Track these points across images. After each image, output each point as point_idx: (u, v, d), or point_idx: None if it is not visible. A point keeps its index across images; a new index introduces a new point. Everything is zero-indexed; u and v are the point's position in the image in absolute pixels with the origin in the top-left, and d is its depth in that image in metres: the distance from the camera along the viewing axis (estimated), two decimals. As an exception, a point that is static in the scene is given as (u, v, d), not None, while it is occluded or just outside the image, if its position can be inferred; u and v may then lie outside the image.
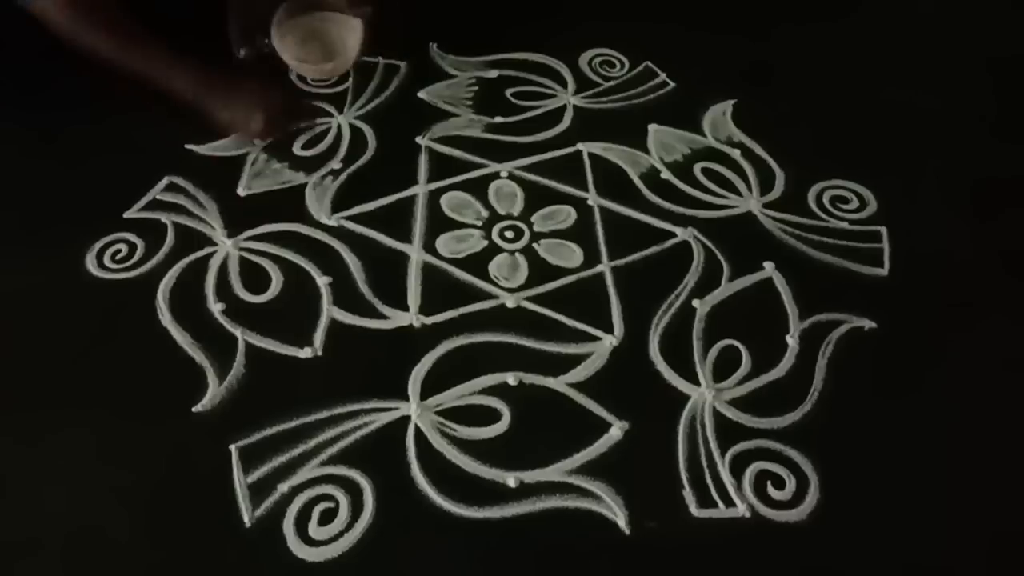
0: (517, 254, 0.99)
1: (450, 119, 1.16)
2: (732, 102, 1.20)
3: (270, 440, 0.81)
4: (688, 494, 0.79)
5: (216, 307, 0.91)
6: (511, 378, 0.87)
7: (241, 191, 1.04)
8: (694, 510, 0.78)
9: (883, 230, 1.04)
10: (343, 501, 0.77)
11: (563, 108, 1.18)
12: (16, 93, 1.11)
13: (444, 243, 1.00)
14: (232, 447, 0.80)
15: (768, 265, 0.99)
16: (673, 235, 1.02)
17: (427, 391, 0.86)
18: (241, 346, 0.88)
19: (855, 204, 1.07)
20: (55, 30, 0.94)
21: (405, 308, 0.93)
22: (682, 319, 0.93)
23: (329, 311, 0.92)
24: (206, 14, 1.16)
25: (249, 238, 0.98)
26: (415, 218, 1.02)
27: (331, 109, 1.15)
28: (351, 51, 1.14)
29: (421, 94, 1.19)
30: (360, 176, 1.07)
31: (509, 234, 1.01)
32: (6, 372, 0.86)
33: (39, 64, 1.11)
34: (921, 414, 0.86)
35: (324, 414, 0.83)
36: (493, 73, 1.23)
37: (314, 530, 0.76)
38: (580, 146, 1.13)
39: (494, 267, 0.98)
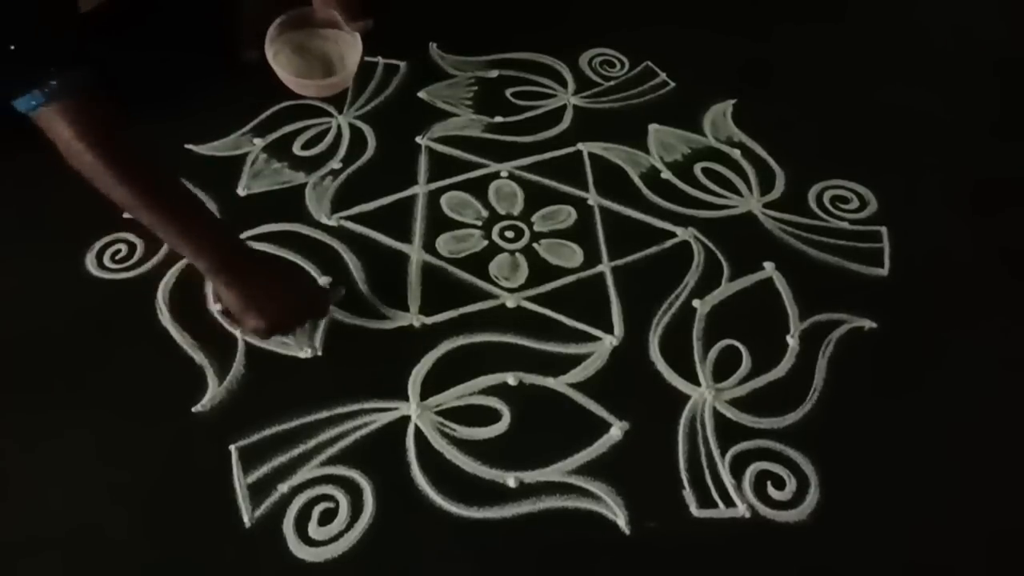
0: (517, 254, 0.99)
1: (450, 119, 1.16)
2: (732, 102, 1.20)
3: (270, 440, 0.81)
4: (688, 494, 0.79)
5: (216, 307, 0.91)
6: (511, 378, 0.87)
7: (241, 191, 1.04)
8: (694, 510, 0.78)
9: (883, 230, 1.04)
10: (343, 501, 0.77)
11: (563, 108, 1.18)
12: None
13: (444, 243, 1.00)
14: (232, 447, 0.80)
15: (768, 265, 0.99)
16: (673, 235, 1.02)
17: (427, 391, 0.86)
18: (241, 346, 0.88)
19: (855, 204, 1.07)
20: (62, 148, 0.77)
21: (405, 308, 0.93)
22: (682, 319, 0.93)
23: (329, 311, 0.92)
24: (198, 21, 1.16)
25: (249, 238, 0.98)
26: (415, 218, 1.02)
27: (331, 109, 1.15)
28: (350, 68, 1.09)
29: (421, 94, 1.19)
30: (360, 176, 1.07)
31: (509, 234, 1.01)
32: (6, 372, 0.86)
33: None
34: (921, 414, 0.86)
35: (324, 414, 0.83)
36: (493, 73, 1.23)
37: (314, 530, 0.76)
38: (580, 146, 1.13)
39: (494, 267, 0.98)
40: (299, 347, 0.88)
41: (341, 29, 1.09)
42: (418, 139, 1.12)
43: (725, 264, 0.99)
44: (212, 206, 1.01)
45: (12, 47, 0.71)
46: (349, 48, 1.09)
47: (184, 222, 0.80)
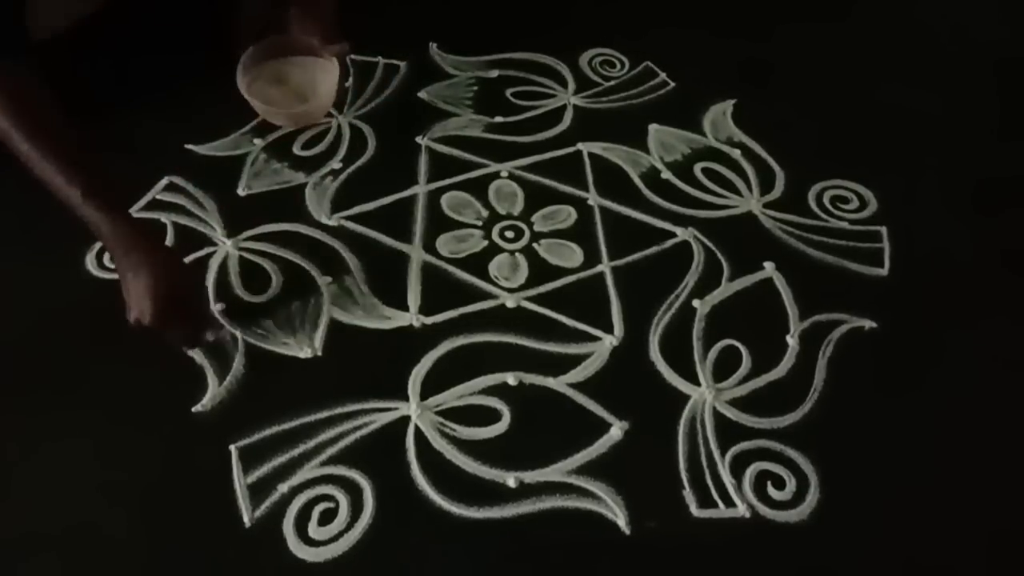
0: (517, 254, 0.99)
1: (450, 119, 1.15)
2: (732, 102, 1.19)
3: (270, 440, 0.81)
4: (688, 494, 0.79)
5: (216, 307, 0.91)
6: (511, 378, 0.87)
7: (241, 191, 1.04)
8: (694, 510, 0.78)
9: (883, 230, 1.04)
10: (343, 501, 0.77)
11: (563, 108, 1.18)
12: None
13: (444, 243, 1.00)
14: (232, 447, 0.80)
15: (768, 265, 0.99)
16: (673, 235, 1.02)
17: (427, 391, 0.86)
18: (241, 346, 0.88)
19: (855, 204, 1.07)
20: None
21: (405, 308, 0.93)
22: (682, 319, 0.93)
23: (329, 311, 0.92)
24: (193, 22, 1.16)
25: (249, 238, 0.98)
26: (415, 218, 1.02)
27: (331, 109, 1.15)
28: (325, 96, 1.08)
29: (421, 94, 1.19)
30: (360, 176, 1.07)
31: (509, 234, 1.01)
32: (6, 372, 0.86)
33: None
34: (921, 414, 0.86)
35: (324, 414, 0.83)
36: (493, 73, 1.23)
37: (314, 530, 0.76)
38: (580, 146, 1.13)
39: (494, 267, 0.98)
40: (299, 347, 0.88)
41: (318, 55, 1.07)
42: (418, 139, 1.12)
43: (725, 264, 0.99)
44: (212, 206, 1.01)
45: None
46: (325, 75, 1.08)
47: (88, 193, 0.80)
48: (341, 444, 0.81)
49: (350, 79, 1.17)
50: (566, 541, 0.76)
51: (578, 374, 0.88)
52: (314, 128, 1.12)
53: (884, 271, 1.00)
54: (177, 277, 0.84)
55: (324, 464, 0.80)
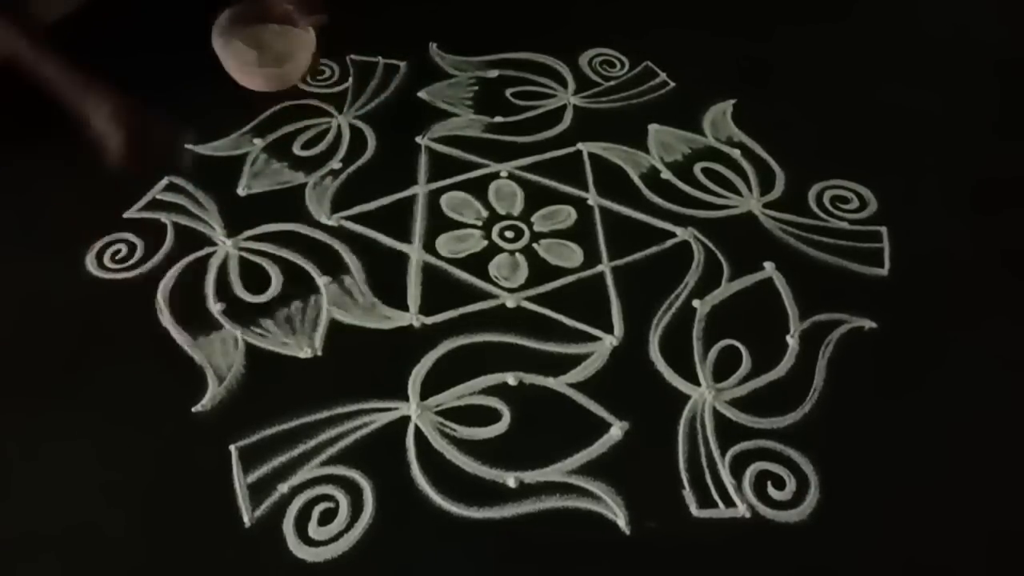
0: (517, 254, 0.99)
1: (450, 119, 1.15)
2: (732, 102, 1.20)
3: (270, 440, 0.81)
4: (688, 494, 0.79)
5: (216, 307, 0.91)
6: (511, 378, 0.87)
7: (241, 191, 1.04)
8: (694, 510, 0.78)
9: (883, 230, 1.04)
10: (343, 501, 0.77)
11: (563, 108, 1.18)
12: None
13: (444, 243, 1.00)
14: (232, 447, 0.80)
15: (768, 265, 0.99)
16: (673, 235, 1.02)
17: (427, 391, 0.86)
18: (241, 346, 0.88)
19: (855, 204, 1.07)
20: None
21: (405, 308, 0.93)
22: (682, 319, 0.93)
23: (329, 311, 0.92)
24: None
25: (249, 238, 0.98)
26: (415, 218, 1.02)
27: (331, 109, 1.15)
28: (301, 62, 1.09)
29: (421, 94, 1.19)
30: (360, 176, 1.07)
31: (509, 234, 1.01)
32: (6, 372, 0.86)
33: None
34: (921, 414, 0.86)
35: (324, 414, 0.83)
36: (493, 73, 1.23)
37: (314, 530, 0.76)
38: (580, 146, 1.13)
39: (494, 267, 0.98)
40: (299, 347, 0.88)
41: (295, 24, 1.08)
42: (418, 139, 1.12)
43: (725, 264, 0.99)
44: (212, 206, 1.01)
45: None
46: (301, 43, 1.09)
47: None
48: (341, 444, 0.81)
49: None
50: (566, 541, 0.76)
51: (578, 374, 0.88)
52: (313, 128, 1.12)
53: (884, 271, 1.00)
54: (136, 102, 0.92)
55: (324, 464, 0.80)
